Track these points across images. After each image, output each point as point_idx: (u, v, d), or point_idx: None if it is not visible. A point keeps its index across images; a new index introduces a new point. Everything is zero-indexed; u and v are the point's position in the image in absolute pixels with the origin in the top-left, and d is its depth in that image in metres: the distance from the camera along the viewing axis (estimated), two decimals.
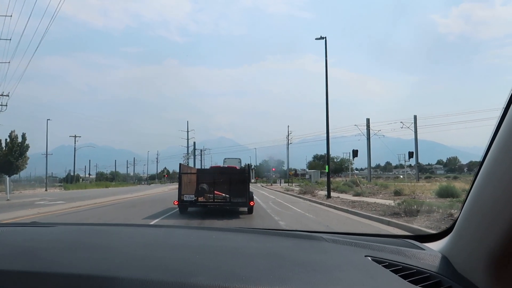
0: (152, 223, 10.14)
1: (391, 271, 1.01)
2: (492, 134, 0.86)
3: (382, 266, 1.04)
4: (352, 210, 13.40)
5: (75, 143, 71.11)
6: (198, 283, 0.79)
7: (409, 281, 0.93)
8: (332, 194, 20.89)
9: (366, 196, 19.85)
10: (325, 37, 21.31)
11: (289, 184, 50.86)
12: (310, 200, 19.89)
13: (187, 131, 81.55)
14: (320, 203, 17.60)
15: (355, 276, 0.94)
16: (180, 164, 12.91)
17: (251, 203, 12.13)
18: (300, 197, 23.01)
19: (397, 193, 19.38)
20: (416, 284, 0.92)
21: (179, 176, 12.49)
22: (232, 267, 0.95)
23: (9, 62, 42.53)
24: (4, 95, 38.96)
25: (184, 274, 0.86)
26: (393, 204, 12.57)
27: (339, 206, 15.01)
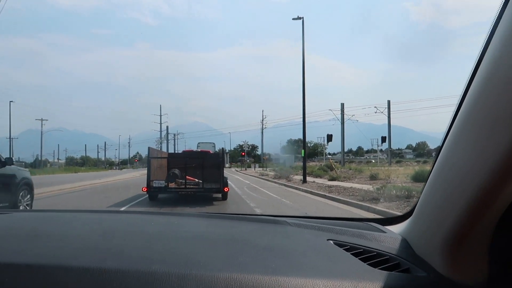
0: None
1: (352, 254, 1.03)
2: (450, 120, 0.87)
3: (343, 249, 1.06)
4: (329, 195, 13.07)
5: (41, 126, 68.37)
6: (154, 270, 0.78)
7: (368, 264, 0.95)
8: (308, 178, 20.63)
9: (341, 181, 19.72)
10: (302, 17, 20.74)
11: (264, 168, 50.72)
12: (285, 185, 19.53)
13: (160, 115, 79.98)
14: (296, 188, 17.25)
15: (315, 260, 0.96)
16: (148, 148, 12.09)
17: (226, 189, 11.54)
18: (275, 182, 22.63)
19: (373, 177, 19.37)
20: (375, 267, 0.94)
21: (148, 161, 11.71)
22: (190, 254, 0.94)
23: None
24: None
25: (140, 262, 0.85)
26: (371, 189, 12.33)
27: (316, 191, 14.67)
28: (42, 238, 1.08)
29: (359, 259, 1.00)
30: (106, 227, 1.32)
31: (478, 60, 0.76)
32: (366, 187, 14.76)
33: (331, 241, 1.14)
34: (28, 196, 8.68)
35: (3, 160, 7.65)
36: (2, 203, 7.38)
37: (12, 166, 7.99)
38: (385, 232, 1.26)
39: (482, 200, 0.76)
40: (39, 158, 75.40)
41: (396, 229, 1.29)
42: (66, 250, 0.94)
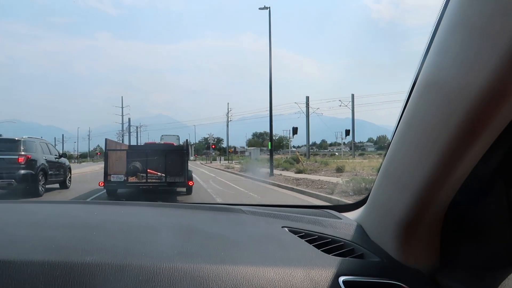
0: None
1: (306, 241, 1.02)
2: (400, 113, 0.90)
3: (298, 236, 1.06)
4: (298, 188, 12.78)
5: None
6: (89, 262, 0.75)
7: (322, 250, 0.96)
8: (274, 171, 20.33)
9: (308, 173, 19.59)
10: (269, 7, 20.31)
11: (229, 161, 50.22)
12: (252, 178, 19.11)
13: (122, 107, 77.38)
14: (263, 181, 16.87)
15: (269, 248, 0.95)
16: (106, 139, 11.20)
17: (190, 183, 10.90)
18: (241, 175, 22.16)
19: (339, 170, 19.38)
20: (330, 253, 0.94)
21: (105, 154, 10.85)
22: (131, 244, 0.90)
23: None
24: None
25: (72, 253, 0.80)
26: (340, 181, 12.11)
27: (284, 184, 14.35)
28: None
29: (314, 245, 0.99)
30: (38, 218, 1.21)
31: (421, 64, 0.79)
32: (333, 179, 14.62)
33: (286, 228, 1.13)
34: (69, 175, 14.34)
35: (61, 154, 14.07)
36: (59, 178, 13.18)
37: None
38: (341, 219, 1.26)
39: (429, 189, 0.78)
40: None
41: (352, 215, 1.30)
42: None
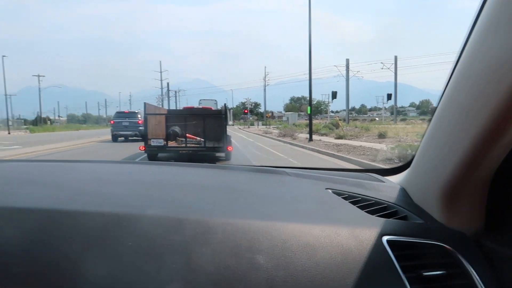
0: None
1: (350, 202, 1.04)
2: (448, 76, 0.89)
3: (341, 197, 1.08)
4: (338, 154, 12.37)
5: (39, 83, 67.09)
6: (150, 215, 0.81)
7: (366, 211, 0.97)
8: (313, 137, 19.89)
9: (348, 139, 19.03)
10: None
11: (267, 126, 50.07)
12: (291, 144, 18.84)
13: (160, 72, 78.41)
14: (302, 147, 16.54)
15: (313, 207, 0.98)
16: (144, 103, 11.18)
17: (229, 148, 10.78)
18: (280, 140, 21.91)
19: (381, 135, 18.64)
20: (373, 214, 0.96)
21: (145, 118, 10.89)
22: (185, 200, 0.95)
23: None
24: None
25: (136, 207, 0.86)
26: (385, 148, 11.58)
27: (324, 150, 13.97)
28: (36, 184, 1.08)
29: (357, 206, 1.01)
30: (102, 175, 1.29)
31: (473, 23, 0.77)
32: (376, 145, 14.07)
33: (330, 190, 1.15)
34: None
35: None
36: None
37: None
38: (384, 182, 1.27)
39: (477, 152, 0.78)
40: (40, 115, 74.74)
41: (395, 179, 1.29)
42: (60, 195, 0.94)
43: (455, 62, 0.87)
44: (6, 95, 44.41)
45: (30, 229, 0.77)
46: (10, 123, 47.99)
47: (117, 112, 23.24)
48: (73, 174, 1.31)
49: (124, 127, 21.24)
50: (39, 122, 67.79)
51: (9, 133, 39.06)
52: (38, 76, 66.42)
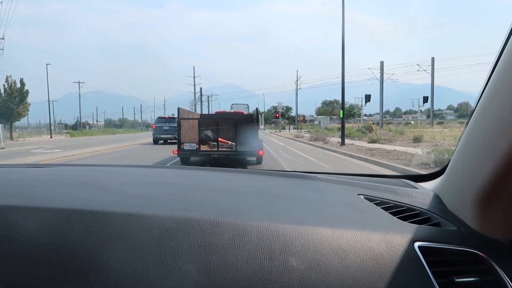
0: None
1: (382, 208, 1.04)
2: (487, 78, 0.88)
3: (374, 203, 1.08)
4: (372, 159, 12.12)
5: (79, 89, 69.96)
6: (190, 217, 0.84)
7: (398, 217, 0.97)
8: (346, 141, 19.60)
9: (382, 143, 18.62)
10: None
11: (298, 130, 49.80)
12: (322, 148, 18.67)
13: (194, 77, 79.72)
14: (334, 151, 16.35)
15: (345, 212, 0.98)
16: (178, 108, 11.41)
17: (260, 153, 10.81)
18: (311, 144, 21.75)
19: (417, 139, 18.11)
20: (405, 220, 0.96)
21: (178, 122, 11.11)
22: (224, 204, 0.98)
23: (1, 2, 39.96)
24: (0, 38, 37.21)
25: (177, 210, 0.90)
26: (420, 152, 11.24)
27: (356, 154, 13.73)
28: (84, 187, 1.13)
29: (389, 212, 1.01)
30: (144, 179, 1.34)
31: None
32: (411, 150, 13.68)
33: (362, 196, 1.15)
34: None
35: None
36: None
37: None
38: (417, 188, 1.27)
39: None
40: (79, 120, 77.82)
41: (428, 185, 1.29)
42: (108, 197, 0.99)
43: (494, 62, 0.85)
44: (49, 101, 46.54)
45: (81, 229, 0.82)
46: (52, 127, 50.25)
47: (158, 118, 24.79)
48: (117, 178, 1.37)
49: (164, 131, 22.66)
50: (78, 127, 70.66)
51: (51, 137, 40.92)
52: (79, 82, 69.33)
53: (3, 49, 37.33)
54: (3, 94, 33.85)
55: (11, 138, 33.93)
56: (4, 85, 33.85)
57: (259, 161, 11.26)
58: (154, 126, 24.35)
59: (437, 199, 1.14)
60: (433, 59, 46.07)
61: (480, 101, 0.90)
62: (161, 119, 23.98)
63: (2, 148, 19.98)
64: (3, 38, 37.48)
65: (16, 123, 38.03)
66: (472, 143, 0.95)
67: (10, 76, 34.28)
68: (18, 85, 34.36)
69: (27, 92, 35.02)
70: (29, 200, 0.96)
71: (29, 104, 36.43)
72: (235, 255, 0.77)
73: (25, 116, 36.58)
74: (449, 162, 1.13)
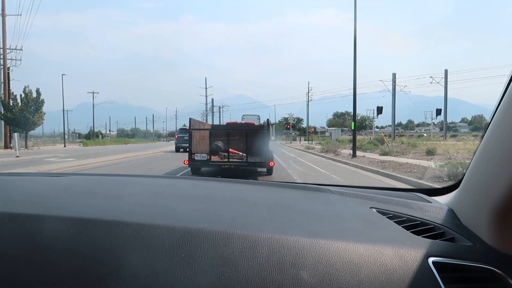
0: None
1: (395, 222, 1.03)
2: (503, 91, 0.88)
3: (386, 217, 1.07)
4: (383, 171, 11.99)
5: (93, 99, 71.11)
6: (202, 228, 0.85)
7: (412, 232, 0.96)
8: (357, 153, 19.45)
9: (394, 156, 18.42)
10: None
11: (309, 142, 49.64)
12: (333, 160, 18.54)
13: (205, 88, 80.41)
14: (345, 163, 16.23)
15: (358, 226, 0.97)
16: (190, 119, 11.51)
17: (271, 164, 10.79)
18: (322, 156, 21.63)
19: (430, 152, 17.87)
20: (419, 235, 0.94)
21: (189, 133, 11.17)
22: (235, 215, 0.98)
23: (20, 15, 41.14)
24: (18, 49, 38.17)
25: (188, 220, 0.91)
26: (433, 165, 11.09)
27: (367, 167, 13.61)
28: (98, 197, 1.15)
29: (402, 226, 0.99)
30: (156, 189, 1.36)
31: None
32: (424, 163, 13.50)
33: (374, 209, 1.14)
34: None
35: None
36: None
37: None
38: (431, 202, 1.26)
39: None
40: (93, 130, 78.92)
41: (442, 199, 1.28)
42: (120, 207, 1.01)
43: (511, 75, 0.84)
44: (63, 110, 47.39)
45: (93, 238, 0.83)
46: (65, 137, 51.07)
47: (180, 128, 27.72)
48: (129, 188, 1.38)
49: (185, 140, 24.31)
50: (91, 136, 71.58)
51: (64, 146, 41.55)
52: (93, 92, 70.55)
53: (21, 60, 38.35)
54: (20, 104, 34.51)
55: (26, 147, 34.52)
56: (21, 95, 34.52)
57: (269, 172, 11.23)
58: (176, 136, 26.73)
59: (451, 213, 1.12)
60: (446, 71, 45.70)
61: (496, 114, 0.89)
62: (183, 130, 26.12)
63: (17, 156, 20.27)
64: (21, 49, 38.51)
65: (31, 132, 38.66)
66: (488, 157, 0.93)
67: (28, 86, 34.99)
68: (34, 94, 35.00)
69: (42, 101, 35.64)
70: (43, 209, 0.97)
71: (44, 114, 37.07)
72: (246, 267, 0.76)
73: (40, 125, 37.16)
74: (463, 176, 1.11)
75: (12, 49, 37.61)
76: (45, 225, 0.88)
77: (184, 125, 24.71)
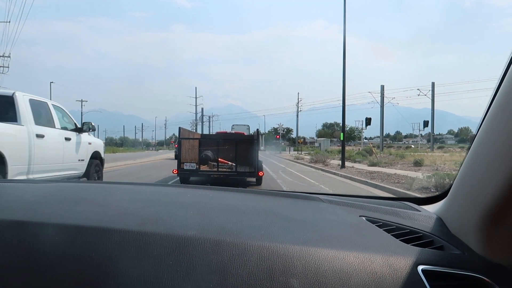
0: None
1: (384, 230, 1.03)
2: (488, 103, 0.90)
3: (376, 225, 1.07)
4: (372, 182, 12.09)
5: (81, 107, 70.40)
6: (190, 236, 0.84)
7: (401, 240, 0.96)
8: (346, 163, 19.58)
9: (382, 167, 18.56)
10: None
11: (299, 152, 49.79)
12: (322, 170, 18.64)
13: (195, 97, 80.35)
14: (334, 173, 16.32)
15: (346, 234, 0.97)
16: (179, 128, 11.48)
17: (260, 173, 10.80)
18: (311, 166, 21.74)
19: (417, 163, 18.08)
20: (408, 243, 0.95)
21: (179, 142, 11.14)
22: (224, 223, 0.97)
23: (9, 22, 40.75)
24: (5, 56, 37.77)
25: (177, 228, 0.90)
26: (420, 176, 11.20)
27: (356, 177, 13.70)
28: (84, 203, 1.13)
29: (392, 235, 1.00)
30: (145, 196, 1.34)
31: None
32: (412, 173, 13.65)
33: (364, 218, 1.14)
34: None
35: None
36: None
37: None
38: (420, 211, 1.27)
39: None
40: None
41: (431, 208, 1.29)
42: (106, 214, 0.99)
43: (496, 88, 0.86)
44: None
45: (80, 245, 0.82)
46: None
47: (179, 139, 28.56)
48: (117, 195, 1.37)
49: None
50: None
51: None
52: (81, 101, 69.90)
53: (8, 67, 37.90)
54: None
55: None
56: None
57: (259, 182, 11.21)
58: (176, 146, 26.43)
59: (440, 222, 1.13)
60: (433, 84, 46.53)
61: (482, 126, 0.91)
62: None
63: None
64: (9, 56, 38.11)
65: None
66: (475, 167, 0.95)
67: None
68: None
69: None
70: (27, 215, 0.96)
71: None
72: (235, 275, 0.76)
73: None
74: (451, 185, 1.12)
75: (0, 56, 37.18)
76: (29, 232, 0.86)
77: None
